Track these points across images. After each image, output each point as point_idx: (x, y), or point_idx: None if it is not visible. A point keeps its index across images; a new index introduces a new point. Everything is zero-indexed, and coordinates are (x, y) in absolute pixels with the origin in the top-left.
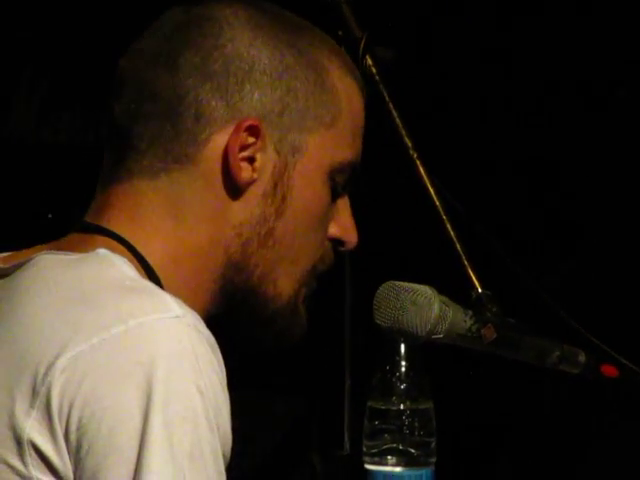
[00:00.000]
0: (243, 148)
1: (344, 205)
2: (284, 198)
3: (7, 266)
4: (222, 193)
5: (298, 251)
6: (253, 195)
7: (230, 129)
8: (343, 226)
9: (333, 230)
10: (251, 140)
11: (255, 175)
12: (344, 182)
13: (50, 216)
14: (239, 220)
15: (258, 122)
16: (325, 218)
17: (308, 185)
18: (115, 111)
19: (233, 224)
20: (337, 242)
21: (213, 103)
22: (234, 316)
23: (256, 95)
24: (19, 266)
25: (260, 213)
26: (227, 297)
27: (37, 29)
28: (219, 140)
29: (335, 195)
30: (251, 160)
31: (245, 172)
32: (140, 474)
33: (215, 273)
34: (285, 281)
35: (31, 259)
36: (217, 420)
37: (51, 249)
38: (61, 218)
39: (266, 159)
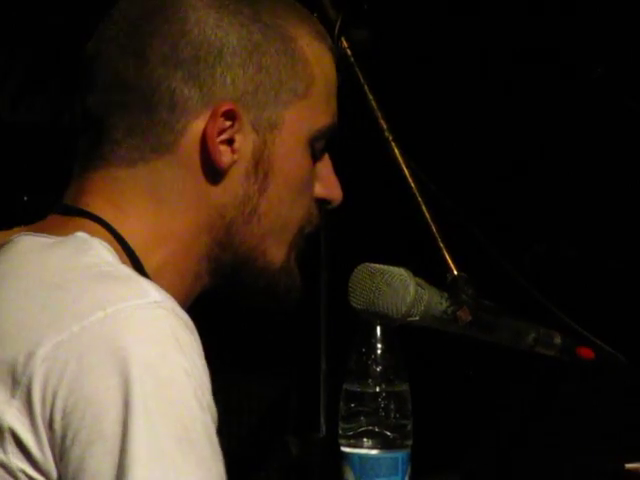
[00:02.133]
0: (221, 132)
1: (325, 164)
2: (266, 175)
3: None
4: (203, 179)
5: (284, 221)
6: (235, 176)
7: (206, 115)
8: (327, 185)
9: (318, 191)
10: (228, 123)
11: (235, 157)
12: (324, 145)
13: (25, 198)
14: (222, 202)
15: (233, 106)
16: (308, 183)
17: (289, 157)
18: (88, 100)
19: (216, 207)
20: (323, 202)
21: (186, 91)
22: (230, 289)
23: (228, 78)
24: None
25: (243, 193)
26: (217, 274)
27: (12, 11)
28: (196, 127)
29: (315, 159)
30: (230, 142)
31: (225, 156)
32: (124, 461)
33: (200, 254)
34: (274, 250)
35: (9, 241)
36: (206, 399)
37: (30, 231)
38: (36, 200)
39: (245, 139)
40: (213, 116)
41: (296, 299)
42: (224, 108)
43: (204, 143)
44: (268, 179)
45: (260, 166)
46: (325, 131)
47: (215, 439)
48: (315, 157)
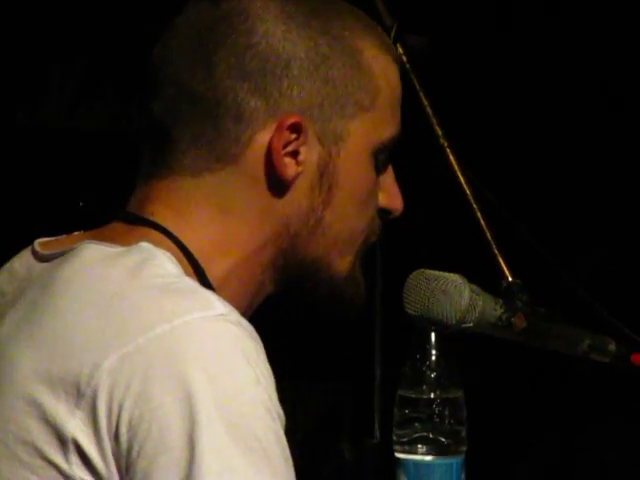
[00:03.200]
0: (286, 145)
1: (389, 174)
2: (331, 187)
3: (48, 252)
4: (267, 190)
5: (349, 233)
6: (300, 188)
7: (272, 127)
8: (389, 196)
9: (380, 201)
10: (293, 136)
11: (300, 169)
12: (387, 156)
13: (81, 204)
14: (287, 214)
15: (299, 118)
16: (372, 195)
17: (353, 170)
18: (153, 109)
19: (281, 218)
20: (384, 211)
21: (252, 103)
22: (294, 296)
23: (295, 90)
24: (61, 254)
25: (308, 205)
26: (281, 283)
27: (69, 19)
28: (262, 139)
29: (379, 170)
30: (295, 154)
31: (290, 168)
32: (193, 472)
33: (265, 263)
34: (340, 261)
35: (73, 249)
36: (275, 408)
37: (93, 238)
38: (94, 205)
39: (310, 151)
40: (279, 129)
41: (361, 307)
42: (290, 121)
43: (269, 155)
44: (333, 191)
45: (325, 178)
46: (389, 143)
47: (286, 447)
48: (379, 169)
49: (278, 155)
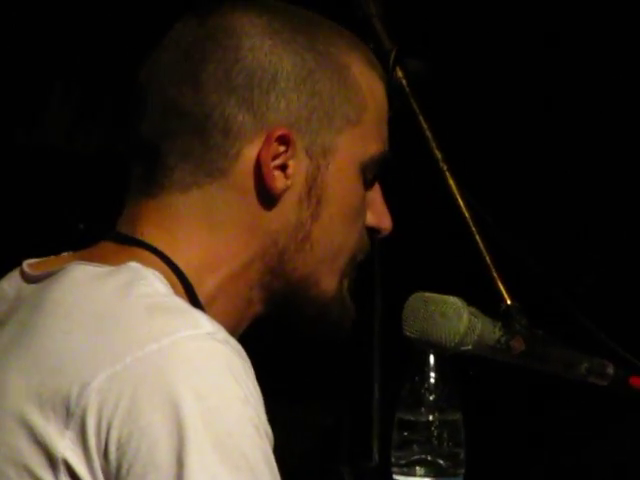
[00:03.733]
0: (275, 158)
1: (376, 192)
2: (319, 201)
3: (37, 273)
4: (256, 204)
5: (337, 249)
6: (288, 202)
7: (260, 140)
8: (377, 214)
9: (368, 219)
10: (282, 149)
11: (289, 182)
12: (375, 173)
13: (81, 226)
14: (275, 228)
15: (287, 131)
16: (361, 211)
17: (342, 184)
18: (140, 127)
19: (269, 233)
20: (373, 231)
21: (240, 117)
22: (282, 317)
23: (282, 104)
24: (50, 275)
25: (296, 219)
26: (269, 302)
27: (69, 40)
28: (250, 153)
29: (367, 186)
30: (283, 168)
31: (279, 181)
32: None
33: (253, 280)
34: (327, 279)
35: (62, 269)
36: (263, 426)
37: (82, 259)
38: (91, 227)
39: (298, 165)
40: (267, 141)
41: (348, 329)
42: (278, 133)
43: (258, 168)
44: (321, 206)
45: (313, 192)
46: (377, 158)
47: (274, 465)
48: (367, 185)
49: (267, 167)
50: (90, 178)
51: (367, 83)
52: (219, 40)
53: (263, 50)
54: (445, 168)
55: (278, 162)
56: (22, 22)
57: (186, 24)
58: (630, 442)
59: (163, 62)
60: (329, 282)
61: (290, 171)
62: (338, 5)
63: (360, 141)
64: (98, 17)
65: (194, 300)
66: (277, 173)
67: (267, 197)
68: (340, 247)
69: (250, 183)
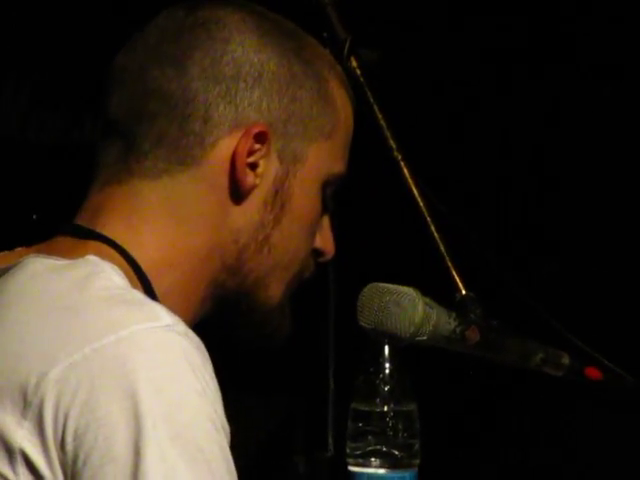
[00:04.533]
0: (250, 154)
1: (327, 220)
2: (283, 206)
3: None
4: (224, 197)
5: (291, 257)
6: (254, 201)
7: (237, 134)
8: (325, 238)
9: (317, 240)
10: (257, 146)
11: (257, 181)
12: (331, 195)
13: (35, 217)
14: (238, 225)
15: (266, 129)
16: (316, 226)
17: (305, 195)
18: (113, 108)
19: (231, 229)
20: (317, 253)
21: (222, 107)
22: (225, 318)
23: (264, 102)
24: (6, 270)
25: (259, 219)
26: (218, 300)
27: (21, 29)
28: (226, 144)
29: (323, 207)
30: (254, 166)
31: (249, 178)
32: None
33: (209, 277)
34: (276, 285)
35: (18, 263)
36: (220, 419)
37: (39, 252)
38: (45, 219)
39: (269, 166)
40: (246, 135)
41: (282, 340)
42: (257, 129)
43: (232, 161)
44: (284, 211)
45: (278, 196)
46: (338, 177)
47: (230, 459)
48: (324, 204)
49: (241, 162)
50: (43, 168)
51: (342, 102)
52: (210, 30)
53: (252, 47)
54: (399, 157)
55: (252, 159)
56: None
57: (173, 13)
58: (576, 428)
59: (147, 45)
60: (277, 289)
61: (260, 171)
62: None
63: (327, 156)
64: (50, 6)
65: (151, 295)
66: (248, 170)
67: (236, 192)
68: (293, 256)
69: (221, 176)
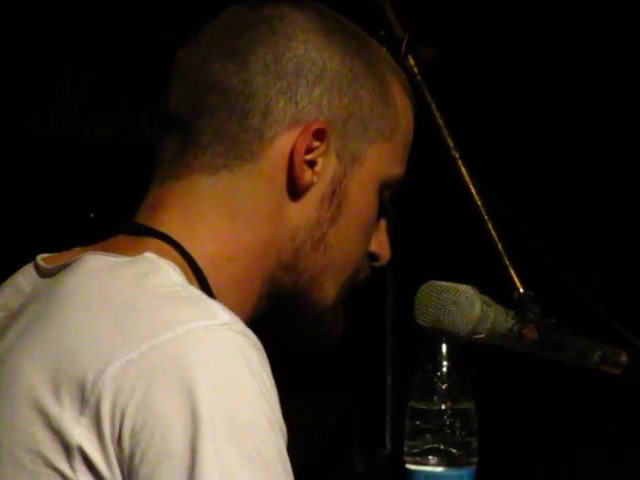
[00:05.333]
0: (308, 151)
1: (384, 225)
2: (340, 205)
3: (51, 266)
4: (281, 193)
5: (346, 258)
6: (311, 199)
7: (296, 130)
8: (382, 243)
9: (372, 244)
10: (316, 144)
11: (315, 179)
12: (389, 198)
13: (92, 215)
14: (294, 223)
15: (326, 126)
16: (372, 230)
17: (362, 195)
18: (173, 102)
19: (288, 226)
20: (372, 257)
21: (282, 103)
22: (279, 317)
23: (325, 100)
24: (64, 267)
25: (316, 218)
26: (274, 298)
27: (79, 27)
28: (284, 140)
29: (381, 210)
30: (312, 164)
31: (307, 175)
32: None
33: (265, 274)
34: (331, 285)
35: (77, 260)
36: (277, 419)
37: (98, 250)
38: (102, 217)
39: (327, 165)
40: (304, 132)
41: (334, 342)
42: (317, 126)
43: (290, 158)
44: (341, 210)
45: (336, 195)
46: (396, 180)
47: (287, 459)
48: (381, 207)
49: (299, 159)
50: (101, 167)
51: (403, 106)
52: (274, 26)
53: (316, 45)
54: (457, 156)
55: (310, 156)
56: (31, 13)
57: (238, 9)
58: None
59: (210, 39)
60: (331, 289)
61: (318, 168)
62: None
63: (387, 158)
64: (110, 3)
65: (207, 291)
66: (306, 167)
67: (293, 189)
68: (349, 257)
69: (279, 172)
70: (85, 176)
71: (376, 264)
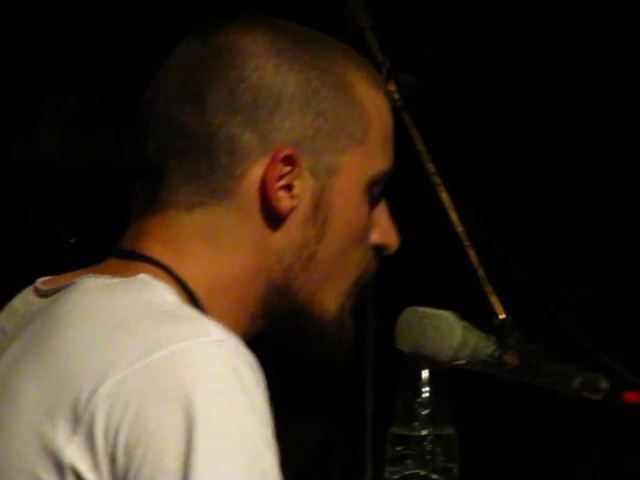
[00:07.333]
0: (280, 178)
1: (382, 209)
2: (325, 220)
3: (46, 288)
4: (261, 224)
5: (342, 268)
6: (293, 222)
7: (265, 161)
8: (384, 231)
9: (375, 237)
10: (287, 169)
11: (294, 202)
12: (380, 190)
13: (72, 240)
14: (280, 247)
15: (293, 151)
16: (366, 230)
17: (347, 203)
18: (146, 147)
19: (274, 252)
20: (379, 248)
21: (245, 137)
22: (282, 334)
23: (287, 123)
24: (60, 289)
25: (301, 238)
26: (271, 318)
27: (62, 50)
28: (255, 173)
29: (373, 205)
30: (289, 188)
31: (284, 201)
32: None
33: (257, 298)
34: (331, 298)
35: (73, 282)
36: (269, 436)
37: (93, 272)
38: (83, 242)
39: (304, 185)
40: (272, 161)
41: (345, 351)
42: (283, 153)
43: (263, 189)
44: (327, 225)
45: (319, 211)
46: (382, 176)
47: (279, 477)
48: (373, 203)
49: (272, 188)
50: (81, 190)
51: (372, 101)
52: (223, 60)
53: (267, 70)
54: (438, 182)
55: (283, 182)
56: (12, 36)
57: (189, 45)
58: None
59: (168, 82)
60: (332, 302)
61: (296, 191)
62: (330, 18)
63: (365, 160)
64: (89, 31)
65: (201, 311)
66: (282, 193)
67: (272, 217)
68: (345, 267)
69: (255, 204)
70: (66, 200)
71: (386, 253)
